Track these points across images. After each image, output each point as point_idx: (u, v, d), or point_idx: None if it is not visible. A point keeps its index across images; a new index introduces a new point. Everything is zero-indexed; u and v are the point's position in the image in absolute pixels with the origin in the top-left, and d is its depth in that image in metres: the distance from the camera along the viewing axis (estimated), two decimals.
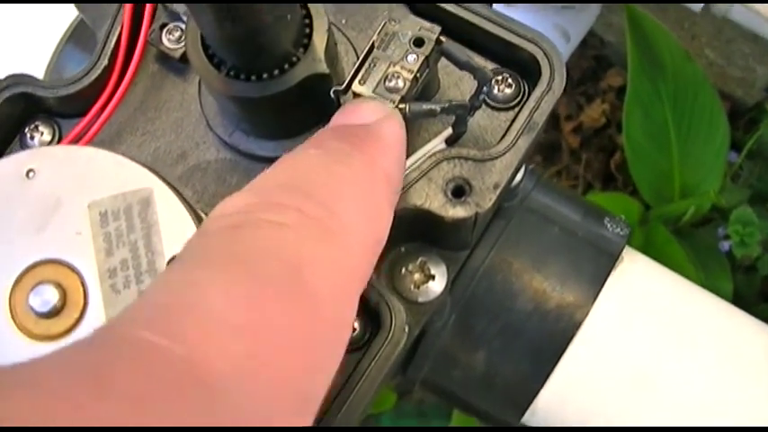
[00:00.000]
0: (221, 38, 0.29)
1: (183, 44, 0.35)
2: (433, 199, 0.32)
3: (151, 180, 0.27)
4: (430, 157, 0.32)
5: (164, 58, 0.36)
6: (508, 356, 0.37)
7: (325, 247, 0.22)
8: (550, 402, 0.38)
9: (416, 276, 0.34)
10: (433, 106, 0.31)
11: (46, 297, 0.27)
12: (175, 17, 0.35)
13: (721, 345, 0.39)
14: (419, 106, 0.30)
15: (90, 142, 0.34)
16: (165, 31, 0.35)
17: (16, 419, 0.15)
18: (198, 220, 0.27)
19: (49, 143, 0.35)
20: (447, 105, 0.31)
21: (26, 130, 0.35)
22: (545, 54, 0.33)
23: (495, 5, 0.34)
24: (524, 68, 0.34)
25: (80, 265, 0.27)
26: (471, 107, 0.32)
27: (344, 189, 0.24)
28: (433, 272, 0.34)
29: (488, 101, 0.34)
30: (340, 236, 0.23)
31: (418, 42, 0.30)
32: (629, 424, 0.38)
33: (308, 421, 0.21)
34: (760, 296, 0.80)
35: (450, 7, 0.33)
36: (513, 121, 0.33)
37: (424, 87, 0.31)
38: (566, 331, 0.37)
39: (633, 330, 0.38)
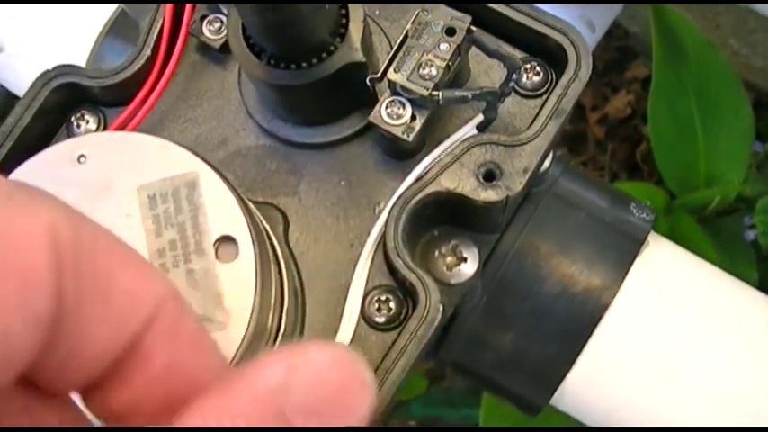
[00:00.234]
0: (263, 27, 0.30)
1: (222, 35, 0.36)
2: (465, 183, 0.33)
3: (197, 164, 0.28)
4: (462, 142, 0.33)
5: (204, 48, 0.37)
6: (537, 338, 0.38)
7: None
8: (579, 384, 0.38)
9: (449, 259, 0.35)
10: (464, 93, 0.32)
11: None
12: (215, 9, 0.36)
13: (748, 326, 0.39)
14: (452, 93, 0.31)
15: (135, 129, 0.35)
16: (205, 22, 0.36)
17: None
18: (241, 202, 0.28)
19: (95, 131, 0.36)
20: (478, 92, 0.32)
21: (72, 118, 0.37)
22: (572, 43, 0.34)
23: None
24: (552, 57, 0.35)
25: (130, 245, 0.28)
26: (501, 94, 0.33)
27: None
28: (465, 254, 0.35)
29: (517, 88, 0.35)
30: None
31: (450, 32, 0.32)
32: (655, 406, 0.39)
33: None
34: None
35: None
36: (542, 107, 0.34)
37: (455, 75, 0.33)
38: (593, 313, 0.37)
39: (660, 313, 0.39)
